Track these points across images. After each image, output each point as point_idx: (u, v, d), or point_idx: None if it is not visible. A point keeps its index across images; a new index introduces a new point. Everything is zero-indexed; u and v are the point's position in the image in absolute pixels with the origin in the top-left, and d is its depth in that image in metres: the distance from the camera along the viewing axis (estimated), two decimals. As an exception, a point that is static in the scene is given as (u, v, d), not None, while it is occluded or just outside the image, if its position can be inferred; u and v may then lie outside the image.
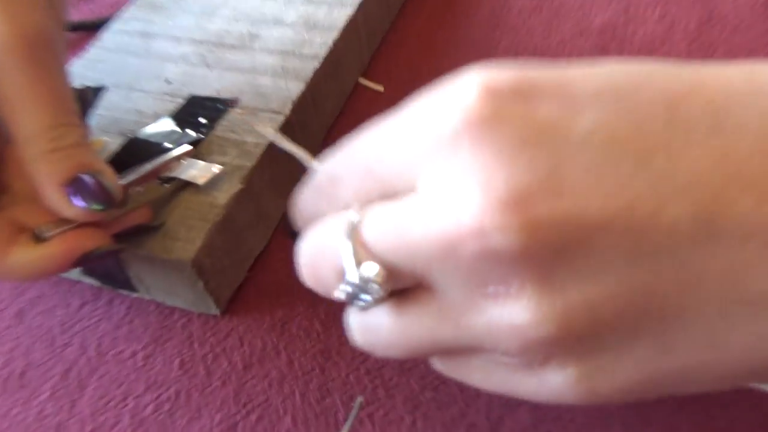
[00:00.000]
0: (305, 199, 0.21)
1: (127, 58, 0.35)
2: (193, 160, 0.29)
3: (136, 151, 0.29)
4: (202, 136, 0.30)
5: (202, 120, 0.31)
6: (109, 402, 0.27)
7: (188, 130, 0.30)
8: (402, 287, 0.18)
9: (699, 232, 0.14)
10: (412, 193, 0.17)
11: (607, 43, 0.38)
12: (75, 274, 0.30)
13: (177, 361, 0.27)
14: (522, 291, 0.15)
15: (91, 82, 0.34)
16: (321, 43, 0.34)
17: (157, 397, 0.26)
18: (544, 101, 0.15)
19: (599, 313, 0.15)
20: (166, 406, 0.26)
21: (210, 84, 0.33)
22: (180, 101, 0.32)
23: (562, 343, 0.16)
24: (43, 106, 0.23)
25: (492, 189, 0.15)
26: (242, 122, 0.30)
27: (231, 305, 0.29)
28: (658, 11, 0.39)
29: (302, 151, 0.24)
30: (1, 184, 0.24)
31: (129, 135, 0.30)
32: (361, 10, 0.36)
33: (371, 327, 0.19)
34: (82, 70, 0.34)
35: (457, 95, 0.16)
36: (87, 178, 0.23)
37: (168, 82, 0.33)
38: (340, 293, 0.18)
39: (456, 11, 0.42)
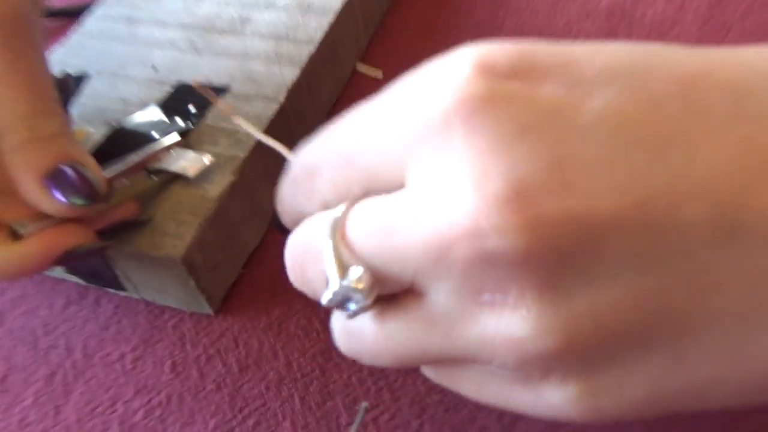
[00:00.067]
0: (284, 194, 0.20)
1: (111, 45, 0.34)
2: (183, 150, 0.28)
3: (121, 141, 0.29)
4: (192, 126, 0.29)
5: (192, 108, 0.30)
6: (96, 408, 0.26)
7: (177, 119, 0.30)
8: (390, 292, 0.16)
9: (720, 233, 0.13)
10: (400, 187, 0.15)
11: (615, 25, 0.38)
12: (59, 272, 0.29)
13: (168, 364, 0.27)
14: (521, 299, 0.14)
15: (73, 70, 0.33)
16: (316, 27, 0.33)
17: (148, 402, 0.26)
18: (548, 80, 0.14)
19: (606, 325, 0.14)
20: (157, 412, 0.26)
21: (199, 70, 0.32)
22: (168, 89, 0.31)
23: (564, 357, 0.14)
24: (20, 92, 0.22)
25: (488, 183, 0.13)
26: (223, 114, 0.29)
27: (225, 304, 0.29)
28: (667, -8, 0.38)
29: (282, 146, 0.23)
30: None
31: (114, 124, 0.30)
32: (357, -8, 0.36)
33: (355, 334, 0.18)
34: (63, 57, 0.34)
35: (448, 73, 0.14)
36: (68, 170, 0.22)
37: (155, 68, 0.32)
38: (324, 300, 0.16)
39: (456, -7, 0.41)
